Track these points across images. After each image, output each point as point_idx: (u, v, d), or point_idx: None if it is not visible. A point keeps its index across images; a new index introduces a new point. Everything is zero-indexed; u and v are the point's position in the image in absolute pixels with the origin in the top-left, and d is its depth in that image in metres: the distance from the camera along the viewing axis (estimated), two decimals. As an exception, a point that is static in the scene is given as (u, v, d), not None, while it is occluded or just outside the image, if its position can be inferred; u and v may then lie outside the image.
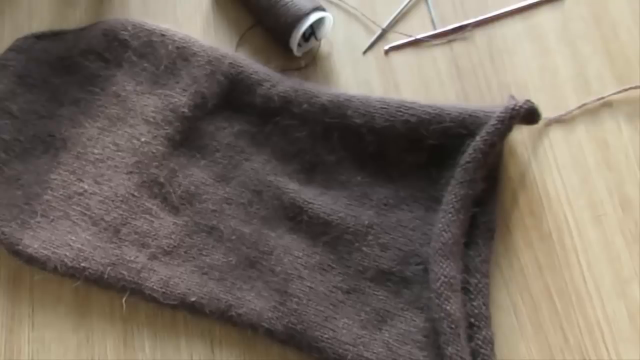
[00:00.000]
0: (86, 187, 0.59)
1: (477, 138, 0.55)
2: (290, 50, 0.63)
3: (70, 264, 0.57)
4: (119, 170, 0.60)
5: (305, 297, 0.55)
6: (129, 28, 0.63)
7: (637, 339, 0.54)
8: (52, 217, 0.58)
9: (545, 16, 0.64)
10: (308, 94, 0.60)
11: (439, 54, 0.64)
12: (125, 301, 0.57)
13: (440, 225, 0.54)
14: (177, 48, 0.62)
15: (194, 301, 0.56)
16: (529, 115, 0.57)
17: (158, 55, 0.63)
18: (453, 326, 0.51)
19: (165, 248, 0.58)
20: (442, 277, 0.53)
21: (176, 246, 0.58)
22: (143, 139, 0.60)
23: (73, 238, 0.57)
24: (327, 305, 0.55)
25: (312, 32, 0.63)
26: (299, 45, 0.63)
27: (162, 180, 0.60)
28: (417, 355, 0.53)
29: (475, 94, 0.62)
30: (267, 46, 0.65)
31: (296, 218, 0.58)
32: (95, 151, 0.61)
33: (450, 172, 0.56)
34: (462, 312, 0.53)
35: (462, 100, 0.62)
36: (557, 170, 0.59)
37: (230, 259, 0.57)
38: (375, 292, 0.56)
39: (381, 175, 0.59)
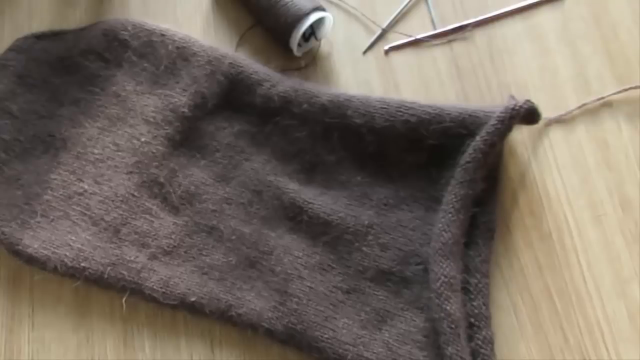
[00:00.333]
0: (86, 187, 0.59)
1: (477, 138, 0.55)
2: (290, 50, 0.63)
3: (70, 264, 0.57)
4: (119, 170, 0.60)
5: (305, 297, 0.55)
6: (129, 28, 0.63)
7: (637, 339, 0.54)
8: (52, 217, 0.58)
9: (545, 16, 0.64)
10: (308, 94, 0.60)
11: (439, 54, 0.64)
12: (125, 301, 0.57)
13: (440, 225, 0.54)
14: (177, 48, 0.63)
15: (194, 301, 0.56)
16: (529, 115, 0.57)
17: (158, 55, 0.63)
18: (453, 326, 0.51)
19: (165, 248, 0.58)
20: (442, 277, 0.53)
21: (176, 246, 0.58)
22: (143, 139, 0.60)
23: (73, 238, 0.57)
24: (327, 305, 0.55)
25: (312, 32, 0.63)
26: (299, 45, 0.63)
27: (162, 180, 0.60)
28: (417, 355, 0.53)
29: (475, 94, 0.62)
30: (267, 46, 0.65)
31: (296, 218, 0.58)
32: (95, 151, 0.61)
33: (450, 172, 0.56)
34: (462, 312, 0.53)
35: (462, 100, 0.62)
36: (557, 170, 0.59)
37: (230, 259, 0.57)
38: (375, 292, 0.56)
39: (381, 175, 0.59)
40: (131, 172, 0.60)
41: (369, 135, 0.59)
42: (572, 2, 0.64)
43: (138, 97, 0.62)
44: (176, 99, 0.61)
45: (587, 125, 0.60)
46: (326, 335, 0.54)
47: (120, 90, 0.62)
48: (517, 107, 0.55)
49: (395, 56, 0.64)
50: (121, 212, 0.59)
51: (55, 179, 0.60)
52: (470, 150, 0.55)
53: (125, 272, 0.56)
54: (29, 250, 0.57)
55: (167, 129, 0.61)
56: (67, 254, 0.57)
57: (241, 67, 0.62)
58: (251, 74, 0.61)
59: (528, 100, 0.56)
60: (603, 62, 0.62)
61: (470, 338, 0.53)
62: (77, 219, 0.58)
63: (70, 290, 0.58)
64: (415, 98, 0.59)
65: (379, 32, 0.65)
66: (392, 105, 0.58)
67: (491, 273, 0.56)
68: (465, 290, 0.54)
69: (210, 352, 0.56)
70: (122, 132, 0.61)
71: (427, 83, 0.63)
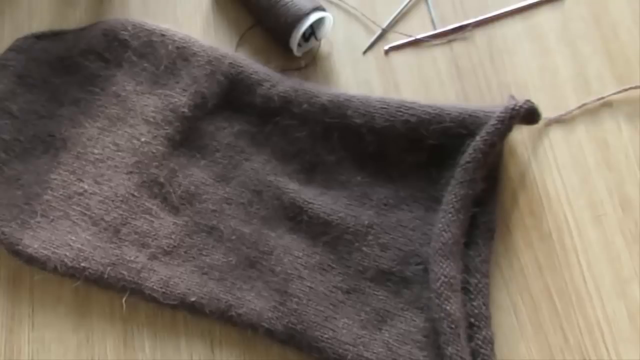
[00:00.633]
0: (86, 187, 0.59)
1: (477, 138, 0.55)
2: (290, 50, 0.63)
3: (70, 264, 0.57)
4: (119, 170, 0.60)
5: (305, 297, 0.55)
6: (129, 28, 0.63)
7: (637, 339, 0.54)
8: (52, 217, 0.58)
9: (545, 16, 0.64)
10: (308, 94, 0.60)
11: (439, 54, 0.64)
12: (125, 301, 0.57)
13: (440, 225, 0.54)
14: (177, 48, 0.62)
15: (194, 301, 0.56)
16: (529, 115, 0.57)
17: (158, 55, 0.63)
18: (453, 326, 0.51)
19: (165, 248, 0.58)
20: (442, 277, 0.53)
21: (176, 246, 0.58)
22: (143, 139, 0.60)
23: (73, 238, 0.57)
24: (327, 305, 0.55)
25: (312, 32, 0.63)
26: (299, 45, 0.63)
27: (162, 180, 0.60)
28: (417, 355, 0.53)
29: (475, 94, 0.62)
30: (267, 46, 0.65)
31: (296, 218, 0.58)
32: (95, 151, 0.61)
33: (450, 172, 0.56)
34: (462, 312, 0.53)
35: (462, 100, 0.62)
36: (557, 170, 0.59)
37: (230, 259, 0.57)
38: (375, 292, 0.56)
39: (381, 175, 0.59)
40: (131, 172, 0.60)
41: (369, 135, 0.59)
42: (572, 2, 0.64)
43: (138, 97, 0.62)
44: (176, 99, 0.61)
45: (587, 125, 0.60)
46: (326, 335, 0.54)
47: (120, 90, 0.62)
48: (517, 107, 0.55)
49: (395, 56, 0.64)
50: (121, 212, 0.59)
51: (55, 179, 0.60)
52: (470, 150, 0.55)
53: (125, 272, 0.56)
54: (29, 250, 0.57)
55: (167, 129, 0.61)
56: (67, 254, 0.57)
57: (241, 67, 0.62)
58: (251, 74, 0.61)
59: (528, 100, 0.56)
60: (603, 62, 0.62)
61: (470, 338, 0.53)
62: (77, 219, 0.58)
63: (70, 290, 0.58)
64: (415, 98, 0.59)
65: (379, 32, 0.65)
66: (392, 105, 0.58)
67: (491, 273, 0.56)
68: (465, 290, 0.54)
69: (210, 352, 0.56)
70: (122, 132, 0.61)
71: (427, 83, 0.63)
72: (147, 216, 0.59)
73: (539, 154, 0.60)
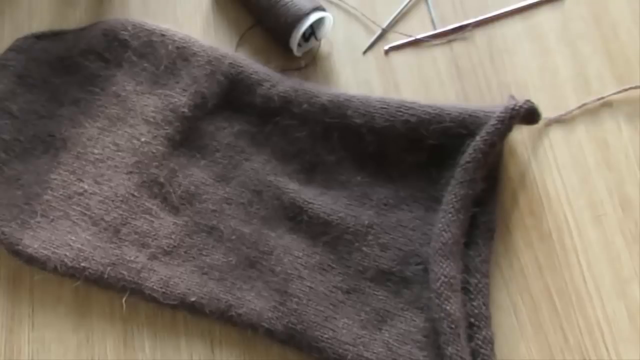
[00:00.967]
0: (86, 187, 0.59)
1: (477, 138, 0.55)
2: (290, 50, 0.63)
3: (70, 264, 0.57)
4: (119, 170, 0.60)
5: (305, 297, 0.55)
6: (129, 28, 0.63)
7: (637, 339, 0.54)
8: (52, 217, 0.58)
9: (545, 16, 0.64)
10: (308, 94, 0.60)
11: (439, 54, 0.64)
12: (125, 301, 0.57)
13: (440, 225, 0.54)
14: (177, 48, 0.62)
15: (194, 301, 0.56)
16: (529, 115, 0.57)
17: (158, 55, 0.63)
18: (453, 326, 0.51)
19: (165, 248, 0.58)
20: (442, 277, 0.53)
21: (176, 246, 0.58)
22: (143, 139, 0.60)
23: (73, 238, 0.57)
24: (327, 305, 0.55)
25: (312, 32, 0.63)
26: (299, 45, 0.63)
27: (162, 180, 0.60)
28: (417, 355, 0.53)
29: (475, 94, 0.62)
30: (267, 46, 0.65)
31: (296, 218, 0.58)
32: (95, 151, 0.61)
33: (450, 172, 0.56)
34: (462, 312, 0.53)
35: (462, 100, 0.62)
36: (557, 170, 0.59)
37: (230, 259, 0.57)
38: (375, 292, 0.56)
39: (381, 175, 0.59)
40: (131, 172, 0.60)
41: (369, 135, 0.59)
42: (572, 2, 0.64)
43: (138, 97, 0.62)
44: (176, 99, 0.61)
45: (587, 125, 0.60)
46: (326, 335, 0.54)
47: (120, 90, 0.62)
48: (517, 107, 0.55)
49: (395, 56, 0.64)
50: (121, 212, 0.59)
51: (55, 179, 0.60)
52: (470, 150, 0.55)
53: (125, 272, 0.56)
54: (29, 250, 0.57)
55: (167, 129, 0.61)
56: (67, 254, 0.57)
57: (241, 67, 0.62)
58: (251, 74, 0.61)
59: (528, 100, 0.56)
60: (603, 62, 0.62)
61: (470, 338, 0.53)
62: (77, 219, 0.58)
63: (70, 290, 0.58)
64: (415, 98, 0.59)
65: (379, 32, 0.65)
66: (392, 105, 0.58)
67: (491, 273, 0.56)
68: (465, 290, 0.54)
69: (210, 352, 0.56)
70: (122, 132, 0.61)
71: (427, 83, 0.63)
72: (147, 216, 0.59)
73: (539, 154, 0.60)
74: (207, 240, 0.58)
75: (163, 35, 0.63)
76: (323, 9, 0.62)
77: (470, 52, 0.64)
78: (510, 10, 0.64)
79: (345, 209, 0.58)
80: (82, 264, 0.57)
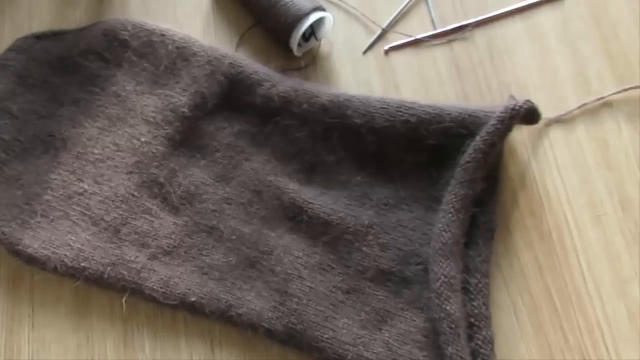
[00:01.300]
0: (86, 187, 0.59)
1: (477, 138, 0.55)
2: (290, 50, 0.63)
3: (70, 264, 0.57)
4: (119, 170, 0.60)
5: (305, 297, 0.55)
6: (129, 28, 0.63)
7: (637, 339, 0.54)
8: (52, 217, 0.58)
9: (545, 16, 0.64)
10: (308, 94, 0.60)
11: (439, 54, 0.64)
12: (125, 301, 0.57)
13: (440, 225, 0.54)
14: (177, 48, 0.62)
15: (194, 301, 0.56)
16: (529, 115, 0.57)
17: (158, 55, 0.63)
18: (453, 326, 0.51)
19: (165, 248, 0.58)
20: (442, 277, 0.53)
21: (176, 246, 0.58)
22: (143, 139, 0.60)
23: (73, 238, 0.57)
24: (327, 305, 0.55)
25: (312, 32, 0.63)
26: (299, 45, 0.63)
27: (162, 180, 0.60)
28: (417, 355, 0.53)
29: (475, 94, 0.62)
30: (267, 46, 0.65)
31: (296, 218, 0.58)
32: (95, 151, 0.61)
33: (450, 172, 0.56)
34: (462, 312, 0.53)
35: (462, 100, 0.62)
36: (557, 170, 0.59)
37: (230, 259, 0.57)
38: (375, 292, 0.56)
39: (381, 175, 0.59)
40: (131, 172, 0.60)
41: (369, 135, 0.59)
42: (572, 2, 0.64)
43: (138, 97, 0.62)
44: (176, 99, 0.61)
45: (587, 125, 0.60)
46: (326, 335, 0.54)
47: (120, 90, 0.62)
48: (517, 107, 0.55)
49: (395, 56, 0.64)
50: (121, 212, 0.59)
51: (55, 179, 0.60)
52: (470, 150, 0.55)
53: (125, 272, 0.56)
54: (29, 250, 0.57)
55: (167, 129, 0.61)
56: (67, 254, 0.57)
57: (241, 67, 0.62)
58: (251, 74, 0.61)
59: (528, 100, 0.56)
60: (603, 62, 0.62)
61: (470, 338, 0.53)
62: (77, 219, 0.58)
63: (70, 290, 0.58)
64: (415, 98, 0.59)
65: (379, 32, 0.65)
66: (392, 105, 0.58)
67: (491, 273, 0.56)
68: (465, 290, 0.54)
69: (210, 352, 0.56)
70: (122, 132, 0.61)
71: (427, 83, 0.63)
72: (147, 216, 0.59)
73: (539, 154, 0.60)
74: (207, 240, 0.58)
75: (163, 35, 0.63)
76: (323, 9, 0.62)
77: (470, 52, 0.64)
78: (510, 10, 0.64)
79: (345, 209, 0.58)
80: (82, 264, 0.57)
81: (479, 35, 0.64)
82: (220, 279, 0.57)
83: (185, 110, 0.61)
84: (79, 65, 0.63)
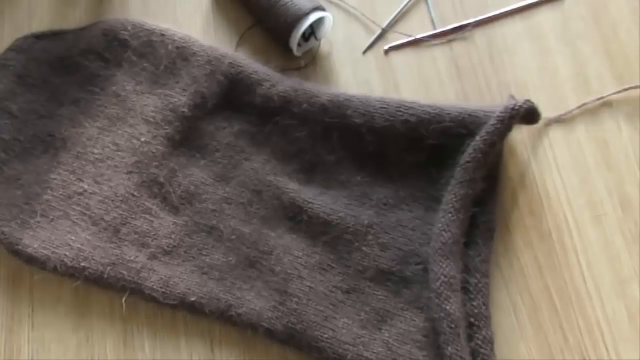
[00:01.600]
0: (86, 187, 0.59)
1: (477, 138, 0.55)
2: (290, 50, 0.63)
3: (70, 264, 0.57)
4: (119, 170, 0.60)
5: (305, 297, 0.55)
6: (129, 28, 0.63)
7: (637, 339, 0.54)
8: (52, 217, 0.58)
9: (545, 16, 0.64)
10: (308, 94, 0.60)
11: (439, 54, 0.64)
12: (125, 301, 0.57)
13: (440, 225, 0.54)
14: (177, 48, 0.62)
15: (194, 301, 0.56)
16: (529, 115, 0.57)
17: (158, 55, 0.63)
18: (453, 326, 0.51)
19: (165, 248, 0.58)
20: (442, 277, 0.53)
21: (176, 246, 0.58)
22: (143, 139, 0.60)
23: (73, 238, 0.57)
24: (327, 305, 0.55)
25: (312, 32, 0.63)
26: (299, 45, 0.63)
27: (162, 180, 0.60)
28: (417, 355, 0.53)
29: (475, 94, 0.62)
30: (267, 46, 0.65)
31: (296, 218, 0.58)
32: (95, 151, 0.61)
33: (450, 172, 0.56)
34: (462, 312, 0.53)
35: (462, 100, 0.62)
36: (557, 170, 0.59)
37: (230, 259, 0.57)
38: (375, 292, 0.56)
39: (381, 175, 0.59)
40: (131, 172, 0.60)
41: (369, 135, 0.59)
42: (572, 2, 0.64)
43: (138, 97, 0.62)
44: (176, 99, 0.61)
45: (587, 125, 0.60)
46: (326, 335, 0.54)
47: (120, 90, 0.62)
48: (517, 107, 0.55)
49: (395, 56, 0.64)
50: (121, 212, 0.59)
51: (55, 179, 0.60)
52: (470, 150, 0.55)
53: (125, 272, 0.56)
54: (29, 250, 0.57)
55: (167, 129, 0.61)
56: (67, 254, 0.57)
57: (241, 67, 0.62)
58: (251, 74, 0.61)
59: (528, 100, 0.56)
60: (603, 62, 0.62)
61: (470, 338, 0.53)
62: (77, 219, 0.58)
63: (70, 290, 0.58)
64: (415, 98, 0.59)
65: (379, 32, 0.65)
66: (392, 105, 0.58)
67: (491, 273, 0.56)
68: (465, 290, 0.54)
69: (210, 352, 0.56)
70: (122, 132, 0.61)
71: (427, 83, 0.63)
72: (147, 216, 0.59)
73: (539, 154, 0.60)
74: (207, 240, 0.58)
75: (163, 35, 0.63)
76: (323, 9, 0.62)
77: (470, 52, 0.64)
78: (510, 10, 0.64)
79: (345, 209, 0.58)
80: (82, 264, 0.57)
81: (479, 35, 0.64)
82: (220, 279, 0.57)
83: (185, 110, 0.61)
84: (79, 65, 0.63)
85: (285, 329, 0.54)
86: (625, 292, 0.55)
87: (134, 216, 0.59)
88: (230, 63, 0.62)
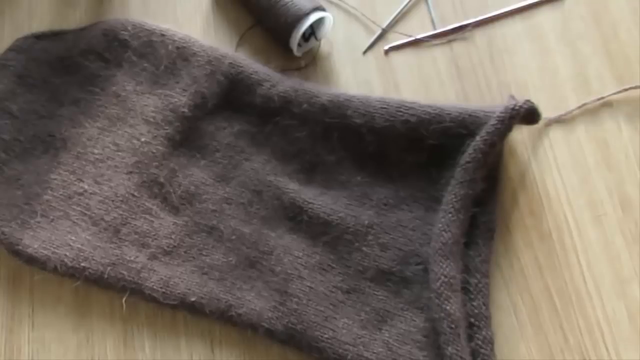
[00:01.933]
0: (86, 187, 0.59)
1: (477, 138, 0.55)
2: (290, 50, 0.63)
3: (70, 264, 0.57)
4: (119, 170, 0.60)
5: (305, 297, 0.55)
6: (129, 28, 0.63)
7: (637, 339, 0.54)
8: (52, 217, 0.58)
9: (545, 16, 0.64)
10: (308, 94, 0.60)
11: (439, 54, 0.64)
12: (125, 301, 0.57)
13: (440, 225, 0.54)
14: (177, 48, 0.63)
15: (194, 301, 0.56)
16: (529, 115, 0.57)
17: (158, 55, 0.63)
18: (453, 326, 0.51)
19: (165, 248, 0.58)
20: (442, 277, 0.53)
21: (176, 246, 0.58)
22: (143, 139, 0.60)
23: (73, 238, 0.57)
24: (327, 305, 0.55)
25: (312, 32, 0.63)
26: (299, 45, 0.63)
27: (162, 180, 0.60)
28: (417, 355, 0.53)
29: (475, 94, 0.62)
30: (267, 46, 0.65)
31: (296, 218, 0.58)
32: (95, 151, 0.61)
33: (450, 172, 0.56)
34: (462, 312, 0.53)
35: (462, 100, 0.62)
36: (557, 170, 0.59)
37: (230, 259, 0.57)
38: (375, 292, 0.56)
39: (381, 175, 0.59)
40: (131, 172, 0.60)
41: (369, 135, 0.59)
42: (572, 2, 0.64)
43: (138, 97, 0.62)
44: (176, 99, 0.61)
45: (587, 125, 0.60)
46: (326, 335, 0.54)
47: (120, 90, 0.62)
48: (517, 107, 0.55)
49: (395, 56, 0.64)
50: (121, 212, 0.59)
51: (55, 179, 0.60)
52: (470, 150, 0.55)
53: (125, 272, 0.56)
54: (29, 250, 0.57)
55: (167, 129, 0.61)
56: (67, 254, 0.57)
57: (241, 67, 0.62)
58: (251, 74, 0.61)
59: (528, 100, 0.56)
60: (603, 62, 0.62)
61: (470, 338, 0.53)
62: (77, 219, 0.58)
63: (70, 290, 0.58)
64: (415, 98, 0.59)
65: (379, 32, 0.65)
66: (392, 105, 0.58)
67: (491, 273, 0.56)
68: (465, 290, 0.54)
69: (210, 352, 0.56)
70: (122, 132, 0.61)
71: (427, 83, 0.63)
72: (147, 216, 0.59)
73: (539, 154, 0.60)
74: (207, 240, 0.58)
75: (163, 35, 0.63)
76: (323, 9, 0.62)
77: (470, 52, 0.64)
78: (510, 10, 0.64)
79: (345, 209, 0.58)
80: (82, 264, 0.57)
81: (479, 35, 0.64)
82: (220, 279, 0.57)
83: (185, 110, 0.61)
84: (79, 65, 0.63)
85: (285, 329, 0.54)
86: (625, 292, 0.55)
87: (134, 216, 0.59)
88: (230, 63, 0.62)
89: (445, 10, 0.65)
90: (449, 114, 0.57)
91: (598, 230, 0.57)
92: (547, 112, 0.59)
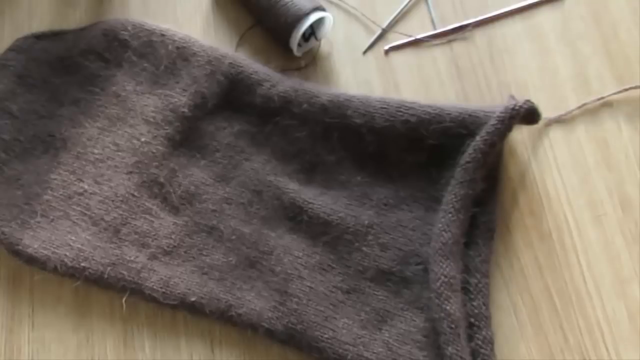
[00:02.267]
0: (86, 187, 0.59)
1: (477, 138, 0.55)
2: (290, 50, 0.63)
3: (70, 264, 0.57)
4: (119, 170, 0.60)
5: (305, 297, 0.55)
6: (129, 28, 0.63)
7: (637, 339, 0.54)
8: (52, 217, 0.58)
9: (545, 16, 0.64)
10: (308, 94, 0.60)
11: (439, 54, 0.64)
12: (125, 301, 0.57)
13: (440, 225, 0.54)
14: (177, 48, 0.63)
15: (194, 301, 0.56)
16: (529, 115, 0.57)
17: (158, 55, 0.63)
18: (453, 326, 0.51)
19: (165, 248, 0.58)
20: (442, 277, 0.53)
21: (176, 246, 0.58)
22: (143, 139, 0.60)
23: (73, 238, 0.57)
24: (327, 305, 0.55)
25: (312, 32, 0.63)
26: (299, 45, 0.63)
27: (162, 180, 0.60)
28: (417, 355, 0.53)
29: (475, 94, 0.62)
30: (267, 46, 0.65)
31: (296, 218, 0.58)
32: (95, 151, 0.61)
33: (450, 172, 0.56)
34: (462, 312, 0.53)
35: (462, 100, 0.62)
36: (557, 170, 0.59)
37: (230, 259, 0.57)
38: (375, 292, 0.56)
39: (381, 175, 0.59)
40: (131, 172, 0.60)
41: (369, 135, 0.59)
42: (572, 2, 0.64)
43: (138, 97, 0.62)
44: (176, 99, 0.61)
45: (587, 125, 0.60)
46: (326, 335, 0.54)
47: (120, 90, 0.62)
48: (517, 107, 0.55)
49: (395, 56, 0.64)
50: (121, 212, 0.59)
51: (55, 179, 0.60)
52: (470, 150, 0.55)
53: (125, 272, 0.56)
54: (29, 250, 0.57)
55: (167, 129, 0.61)
56: (67, 254, 0.57)
57: (241, 67, 0.62)
58: (251, 74, 0.61)
59: (528, 100, 0.56)
60: (603, 62, 0.62)
61: (470, 338, 0.53)
62: (77, 219, 0.58)
63: (70, 290, 0.58)
64: (415, 98, 0.59)
65: (379, 32, 0.65)
66: (392, 105, 0.58)
67: (491, 273, 0.56)
68: (465, 290, 0.54)
69: (210, 352, 0.56)
70: (122, 132, 0.61)
71: (427, 83, 0.63)
72: (147, 216, 0.59)
73: (539, 154, 0.60)
74: (207, 240, 0.58)
75: (163, 35, 0.63)
76: (323, 9, 0.62)
77: (470, 52, 0.64)
78: (510, 10, 0.64)
79: (345, 209, 0.58)
80: (82, 264, 0.57)
81: (479, 35, 0.64)
82: (220, 279, 0.57)
83: (185, 110, 0.61)
84: (79, 65, 0.63)
85: (285, 329, 0.54)
86: (625, 292, 0.55)
87: (134, 216, 0.59)
88: (230, 63, 0.62)
89: (445, 10, 0.65)
90: (449, 114, 0.57)
91: (598, 230, 0.57)
92: (547, 112, 0.59)
